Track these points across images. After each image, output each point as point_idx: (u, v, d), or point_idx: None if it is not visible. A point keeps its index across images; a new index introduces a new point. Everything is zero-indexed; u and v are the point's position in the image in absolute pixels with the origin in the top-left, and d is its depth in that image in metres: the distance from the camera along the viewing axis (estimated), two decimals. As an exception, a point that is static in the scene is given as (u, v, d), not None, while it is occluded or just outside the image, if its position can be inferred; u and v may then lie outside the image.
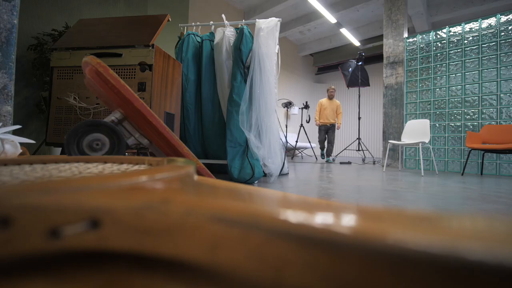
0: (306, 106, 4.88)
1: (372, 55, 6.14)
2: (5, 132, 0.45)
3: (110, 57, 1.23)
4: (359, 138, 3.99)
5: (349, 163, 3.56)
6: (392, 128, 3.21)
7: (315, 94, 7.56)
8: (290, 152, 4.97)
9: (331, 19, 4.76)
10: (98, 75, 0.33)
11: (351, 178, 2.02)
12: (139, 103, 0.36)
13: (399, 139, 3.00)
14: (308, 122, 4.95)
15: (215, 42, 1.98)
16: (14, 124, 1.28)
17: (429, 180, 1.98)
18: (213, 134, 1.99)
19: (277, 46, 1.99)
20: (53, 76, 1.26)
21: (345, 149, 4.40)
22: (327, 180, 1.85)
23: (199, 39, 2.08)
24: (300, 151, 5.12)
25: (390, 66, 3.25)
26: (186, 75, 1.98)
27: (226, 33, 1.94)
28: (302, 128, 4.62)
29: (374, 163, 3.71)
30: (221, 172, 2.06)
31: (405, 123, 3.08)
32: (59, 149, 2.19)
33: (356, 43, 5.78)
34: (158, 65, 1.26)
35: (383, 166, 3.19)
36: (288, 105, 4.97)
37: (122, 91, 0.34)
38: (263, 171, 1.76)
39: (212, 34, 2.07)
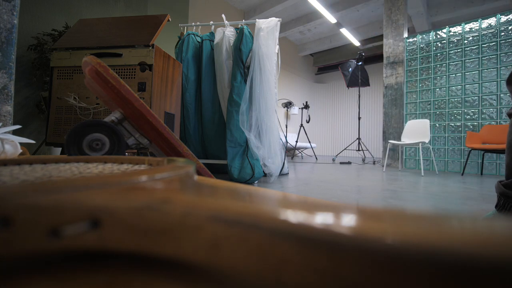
0: (306, 106, 4.88)
1: (372, 55, 6.14)
2: (5, 132, 0.45)
3: (110, 57, 1.23)
4: (359, 138, 3.99)
5: (349, 163, 3.56)
6: (392, 128, 3.21)
7: (315, 94, 7.56)
8: (290, 152, 4.97)
9: (331, 19, 4.76)
10: (98, 75, 0.33)
11: (351, 178, 2.02)
12: (139, 103, 0.36)
13: (399, 139, 3.00)
14: (308, 122, 4.94)
15: (215, 42, 1.98)
16: (14, 124, 1.28)
17: (429, 180, 1.98)
18: (213, 134, 1.99)
19: (277, 46, 1.99)
20: (53, 76, 1.26)
21: (345, 149, 4.40)
22: (327, 180, 1.85)
23: (199, 39, 2.08)
24: (300, 151, 5.12)
25: (390, 66, 3.25)
26: (186, 75, 1.98)
27: (226, 33, 1.94)
28: (302, 128, 4.62)
29: (374, 163, 3.71)
30: (221, 172, 2.06)
31: (405, 123, 3.08)
32: (59, 149, 2.19)
33: (356, 43, 5.77)
34: (158, 65, 1.26)
35: (383, 166, 3.19)
36: (288, 105, 4.96)
37: (122, 91, 0.34)
38: (263, 171, 1.76)
39: (212, 34, 2.07)
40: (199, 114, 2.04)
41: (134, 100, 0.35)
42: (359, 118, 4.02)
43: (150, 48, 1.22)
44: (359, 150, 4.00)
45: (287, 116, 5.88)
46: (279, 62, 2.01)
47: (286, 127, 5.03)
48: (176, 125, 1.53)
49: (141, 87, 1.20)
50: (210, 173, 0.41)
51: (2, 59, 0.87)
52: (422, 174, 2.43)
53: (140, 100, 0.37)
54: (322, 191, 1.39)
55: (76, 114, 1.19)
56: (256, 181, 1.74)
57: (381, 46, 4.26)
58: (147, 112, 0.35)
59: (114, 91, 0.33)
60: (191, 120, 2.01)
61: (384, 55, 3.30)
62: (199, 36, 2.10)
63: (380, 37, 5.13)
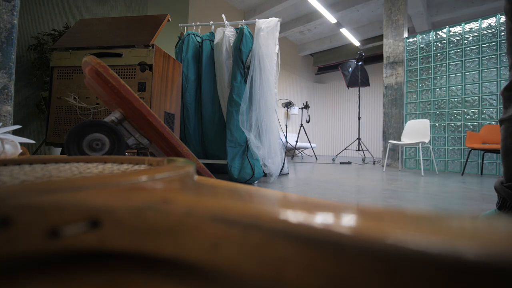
0: (306, 106, 4.87)
1: (372, 55, 6.14)
2: (5, 132, 0.45)
3: (110, 57, 1.23)
4: (359, 138, 3.99)
5: (349, 163, 3.56)
6: (392, 128, 3.21)
7: (315, 94, 7.55)
8: (290, 152, 4.97)
9: (331, 19, 4.76)
10: (98, 75, 0.33)
11: (351, 178, 2.02)
12: (139, 103, 0.36)
13: (399, 139, 3.00)
14: (308, 122, 4.94)
15: (215, 42, 1.98)
16: (14, 124, 1.28)
17: (429, 180, 1.98)
18: (213, 134, 1.99)
19: (277, 46, 1.99)
20: (53, 76, 1.26)
21: (345, 149, 4.40)
22: (327, 180, 1.85)
23: (199, 39, 2.08)
24: (300, 151, 5.12)
25: (390, 66, 3.25)
26: (186, 75, 1.98)
27: (226, 33, 1.94)
28: (302, 128, 4.62)
29: (374, 163, 3.71)
30: (221, 172, 2.06)
31: (405, 123, 3.08)
32: (59, 149, 2.19)
33: (356, 43, 5.78)
34: (158, 65, 1.26)
35: (383, 166, 3.19)
36: (288, 105, 4.97)
37: (122, 91, 0.34)
38: (263, 171, 1.76)
39: (212, 34, 2.07)
40: (199, 114, 2.04)
41: (134, 100, 0.35)
42: (359, 118, 4.02)
43: (150, 48, 1.22)
44: (359, 150, 4.00)
45: (287, 116, 5.88)
46: (279, 62, 2.01)
47: (286, 127, 5.03)
48: (176, 125, 1.53)
49: (141, 87, 1.20)
50: (210, 173, 0.41)
51: (2, 59, 0.87)
52: (422, 174, 2.43)
53: (140, 100, 0.37)
54: (322, 191, 1.39)
55: (76, 114, 1.19)
56: (256, 181, 1.74)
57: (381, 46, 4.26)
58: (147, 112, 0.35)
59: (114, 91, 0.33)
60: (191, 120, 2.01)
61: (384, 55, 3.30)
62: (199, 36, 2.11)
63: (380, 37, 5.13)
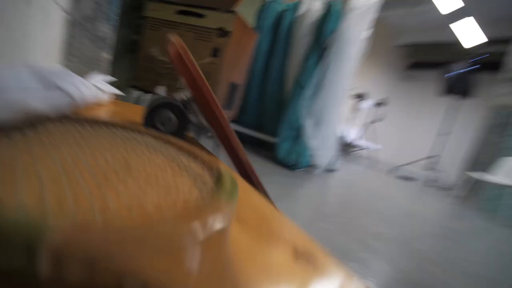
0: (383, 103, 4.31)
1: (483, 62, 4.85)
2: (99, 82, 0.53)
3: (193, 16, 1.27)
4: (435, 155, 3.41)
5: (413, 180, 3.14)
6: (483, 157, 2.63)
7: (396, 92, 6.56)
8: (348, 148, 4.62)
9: (443, 8, 3.84)
10: (178, 56, 0.35)
11: (406, 199, 1.80)
12: (209, 94, 0.38)
13: (488, 173, 2.45)
14: (381, 121, 4.40)
15: (297, 15, 1.83)
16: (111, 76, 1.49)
17: (505, 234, 1.61)
18: (272, 110, 1.96)
19: (368, 31, 1.73)
20: (144, 25, 1.39)
21: (412, 162, 3.84)
22: (375, 191, 1.68)
23: (281, 8, 1.95)
24: (360, 149, 4.72)
25: (509, 81, 2.54)
26: (259, 45, 1.93)
27: (311, 7, 1.77)
28: (370, 126, 4.20)
29: (444, 189, 3.18)
30: (266, 148, 2.07)
31: (503, 157, 2.46)
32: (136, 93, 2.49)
33: (468, 43, 4.62)
34: (235, 33, 1.25)
35: (455, 198, 2.71)
36: (361, 96, 4.50)
37: (196, 78, 0.36)
38: (311, 162, 1.70)
39: (297, 5, 1.90)
40: (262, 87, 2.02)
41: (206, 91, 0.37)
42: (444, 133, 3.40)
43: (232, 14, 1.21)
44: (430, 168, 3.46)
45: (355, 109, 5.37)
46: (366, 49, 1.77)
47: (352, 121, 4.64)
48: (239, 95, 1.56)
49: (215, 53, 1.23)
50: (255, 172, 0.40)
51: (108, 13, 0.98)
52: (500, 222, 1.97)
53: (210, 90, 0.38)
54: (360, 202, 1.29)
55: (159, 64, 1.32)
56: (300, 169, 1.70)
57: (502, 53, 3.30)
58: (214, 103, 0.37)
59: (190, 75, 0.35)
60: (253, 91, 2.01)
61: (504, 66, 2.58)
62: (282, 5, 1.97)
63: (503, 41, 3.94)
